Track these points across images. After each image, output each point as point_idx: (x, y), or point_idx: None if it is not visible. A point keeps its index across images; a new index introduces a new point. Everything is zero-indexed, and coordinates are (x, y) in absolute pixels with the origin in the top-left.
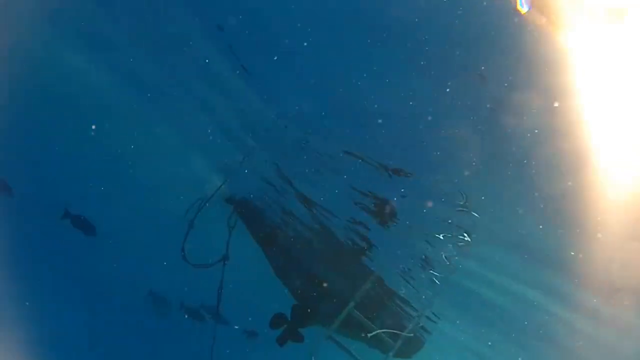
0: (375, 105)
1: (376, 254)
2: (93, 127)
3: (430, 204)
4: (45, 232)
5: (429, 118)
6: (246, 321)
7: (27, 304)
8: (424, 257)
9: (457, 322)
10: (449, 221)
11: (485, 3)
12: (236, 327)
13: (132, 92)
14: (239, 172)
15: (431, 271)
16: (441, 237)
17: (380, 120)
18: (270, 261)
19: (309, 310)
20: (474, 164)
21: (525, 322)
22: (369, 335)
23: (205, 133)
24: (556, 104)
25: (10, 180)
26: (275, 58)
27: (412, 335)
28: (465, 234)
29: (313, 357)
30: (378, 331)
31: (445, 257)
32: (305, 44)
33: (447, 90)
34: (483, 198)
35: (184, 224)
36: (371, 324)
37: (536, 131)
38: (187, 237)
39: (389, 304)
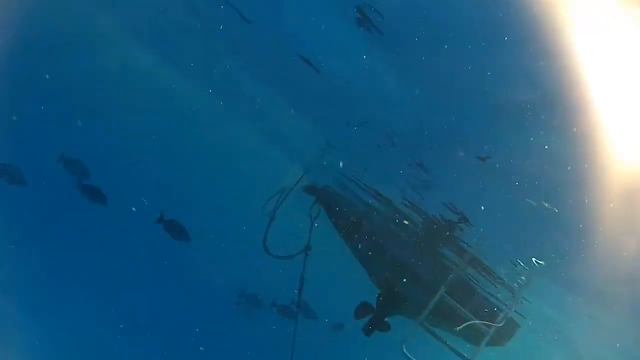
0: None
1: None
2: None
3: None
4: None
5: None
6: (332, 313)
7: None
8: None
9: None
10: None
11: None
12: (326, 320)
13: (210, 94)
14: (318, 163)
15: None
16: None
17: None
18: (354, 250)
19: (395, 298)
20: None
21: None
22: (460, 327)
23: (283, 127)
24: None
25: (104, 187)
26: None
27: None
28: None
29: (404, 346)
30: (473, 321)
31: None
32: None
33: None
34: None
35: (265, 217)
36: (464, 310)
37: None
38: (268, 230)
39: (481, 287)
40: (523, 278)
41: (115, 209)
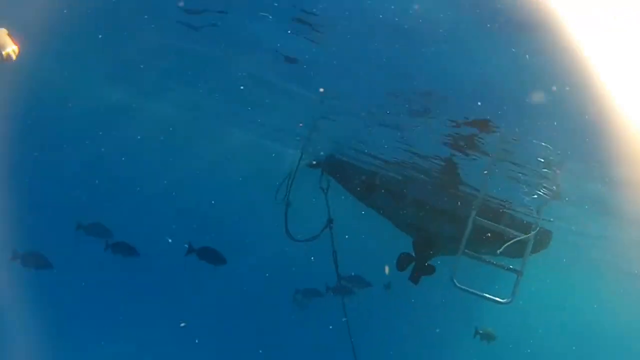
0: None
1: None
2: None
3: None
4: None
5: None
6: (377, 276)
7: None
8: None
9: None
10: None
11: None
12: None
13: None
14: (314, 139)
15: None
16: None
17: None
18: (375, 207)
19: (430, 239)
20: None
21: None
22: (501, 250)
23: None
24: None
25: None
26: None
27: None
28: None
29: (455, 280)
30: (512, 240)
31: None
32: None
33: None
34: None
35: (281, 205)
36: (499, 226)
37: None
38: (287, 216)
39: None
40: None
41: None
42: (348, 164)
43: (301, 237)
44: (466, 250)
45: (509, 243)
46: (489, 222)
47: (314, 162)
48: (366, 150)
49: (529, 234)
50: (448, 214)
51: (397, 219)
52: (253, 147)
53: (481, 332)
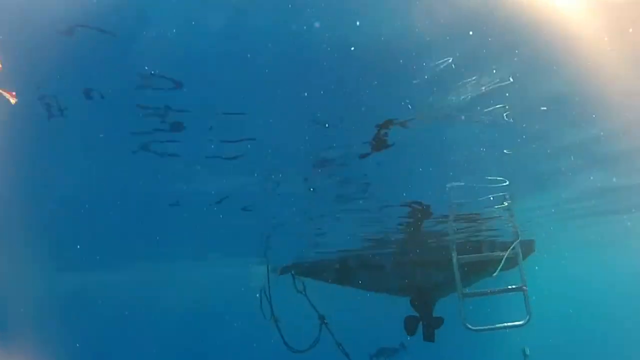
0: None
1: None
2: None
3: None
4: None
5: None
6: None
7: None
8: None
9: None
10: None
11: None
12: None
13: None
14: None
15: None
16: None
17: None
18: (359, 286)
19: (425, 294)
20: None
21: None
22: (495, 273)
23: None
24: None
25: None
26: None
27: (518, 240)
28: None
29: (466, 323)
30: (502, 256)
31: None
32: None
33: None
34: None
35: (271, 323)
36: (483, 255)
37: None
38: (281, 331)
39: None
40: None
41: None
42: (315, 262)
43: (302, 345)
44: (466, 291)
45: (501, 264)
46: (472, 256)
47: (281, 270)
48: (326, 249)
49: (515, 243)
50: (432, 264)
51: (387, 288)
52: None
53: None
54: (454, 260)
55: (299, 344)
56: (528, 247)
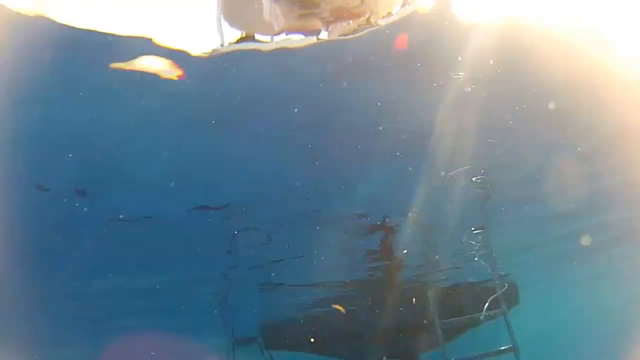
0: None
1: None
2: None
3: None
4: None
5: None
6: None
7: None
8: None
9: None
10: None
11: None
12: None
13: None
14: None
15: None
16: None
17: None
18: (336, 354)
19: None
20: None
21: None
22: (482, 317)
23: None
24: None
25: None
26: None
27: (504, 286)
28: None
29: None
30: (482, 315)
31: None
32: None
33: None
34: None
35: None
36: (464, 317)
37: None
38: None
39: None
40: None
41: None
42: (281, 328)
43: None
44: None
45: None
46: (456, 320)
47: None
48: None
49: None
50: (413, 330)
51: (366, 355)
52: None
53: None
54: (437, 324)
55: None
56: (511, 294)
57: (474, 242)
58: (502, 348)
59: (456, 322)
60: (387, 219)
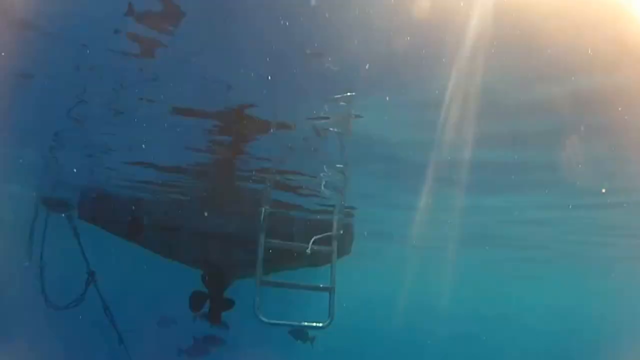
0: None
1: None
2: None
3: None
4: None
5: None
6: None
7: None
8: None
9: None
10: None
11: None
12: None
13: None
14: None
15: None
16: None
17: None
18: (151, 248)
19: (220, 270)
20: None
21: None
22: (307, 250)
23: None
24: None
25: None
26: None
27: (340, 232)
28: None
29: (259, 314)
30: (309, 246)
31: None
32: None
33: None
34: None
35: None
36: (293, 244)
37: None
38: (43, 280)
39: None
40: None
41: None
42: (105, 204)
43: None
44: (264, 279)
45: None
46: (281, 242)
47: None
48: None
49: (332, 232)
50: (234, 239)
51: (178, 255)
52: None
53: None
54: (261, 241)
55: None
56: (345, 242)
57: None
58: (321, 285)
59: (280, 246)
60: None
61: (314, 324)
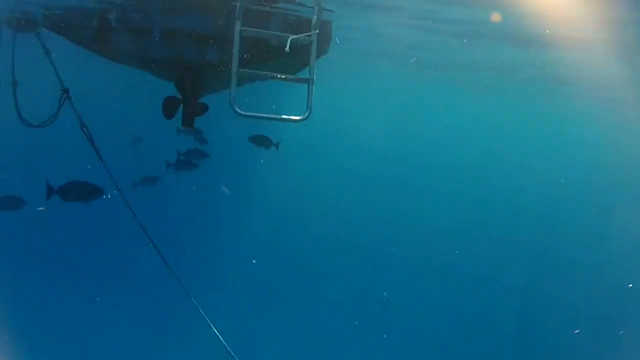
0: None
1: None
2: None
3: None
4: None
5: None
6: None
7: None
8: None
9: None
10: None
11: None
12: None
13: None
14: None
15: None
16: None
17: None
18: (121, 56)
19: (195, 71)
20: None
21: None
22: (286, 48)
23: None
24: None
25: None
26: None
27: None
28: None
29: (235, 106)
30: (291, 37)
31: None
32: None
33: None
34: None
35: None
36: (272, 32)
37: None
38: (17, 99)
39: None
40: None
41: None
42: (72, 13)
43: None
44: (240, 70)
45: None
46: (259, 31)
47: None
48: None
49: (311, 32)
50: (209, 38)
51: (149, 62)
52: None
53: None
54: (237, 29)
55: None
56: (324, 33)
57: None
58: (300, 77)
59: (258, 35)
60: None
61: (293, 117)
